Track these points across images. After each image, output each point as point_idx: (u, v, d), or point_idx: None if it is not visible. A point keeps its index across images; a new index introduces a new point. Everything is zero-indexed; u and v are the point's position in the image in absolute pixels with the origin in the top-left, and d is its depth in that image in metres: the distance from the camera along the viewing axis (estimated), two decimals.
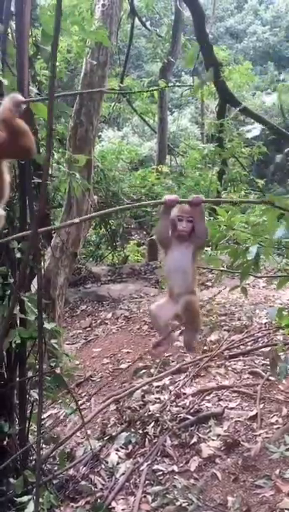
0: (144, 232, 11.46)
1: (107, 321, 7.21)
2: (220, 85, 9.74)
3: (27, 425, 3.18)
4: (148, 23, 13.96)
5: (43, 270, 5.36)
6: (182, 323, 2.56)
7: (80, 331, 7.14)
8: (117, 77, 11.11)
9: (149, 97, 11.08)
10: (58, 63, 7.68)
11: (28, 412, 3.19)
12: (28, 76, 2.82)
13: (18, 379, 3.12)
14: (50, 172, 6.84)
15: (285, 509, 2.79)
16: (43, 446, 3.61)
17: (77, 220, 2.08)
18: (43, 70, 7.26)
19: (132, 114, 12.84)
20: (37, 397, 2.98)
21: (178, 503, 3.03)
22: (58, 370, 3.39)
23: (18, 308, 2.92)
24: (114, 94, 10.65)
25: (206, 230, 2.45)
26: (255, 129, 2.99)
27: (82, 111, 5.69)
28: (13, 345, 2.90)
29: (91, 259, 11.06)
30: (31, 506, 2.71)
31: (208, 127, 12.81)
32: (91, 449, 3.51)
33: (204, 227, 2.41)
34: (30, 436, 3.22)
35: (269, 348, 4.94)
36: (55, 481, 3.30)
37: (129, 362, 5.56)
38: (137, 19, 11.44)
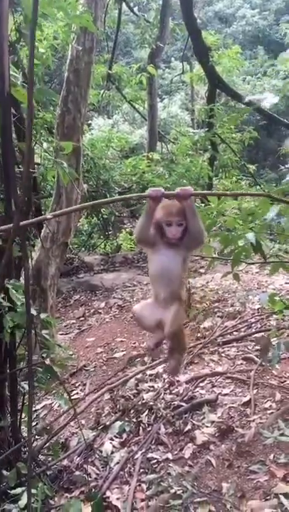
0: (137, 221, 11.41)
1: (100, 311, 7.19)
2: (209, 70, 9.65)
3: (19, 417, 3.15)
4: (136, 9, 13.80)
5: (32, 260, 5.32)
6: (167, 348, 2.42)
7: (74, 321, 7.11)
8: (105, 64, 10.98)
9: (138, 84, 10.96)
10: (44, 50, 7.55)
11: (20, 403, 3.15)
12: (7, 62, 2.74)
13: (8, 371, 3.08)
14: (39, 161, 6.80)
15: (280, 494, 2.78)
16: (37, 437, 3.59)
17: (49, 216, 2.02)
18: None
19: (122, 102, 12.72)
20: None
21: (172, 491, 3.02)
22: (50, 361, 3.35)
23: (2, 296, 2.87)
24: (102, 81, 10.53)
25: (202, 229, 2.14)
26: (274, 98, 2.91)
27: (69, 98, 5.59)
28: (7, 333, 2.85)
29: (83, 248, 11.00)
30: (25, 498, 2.69)
31: (198, 113, 12.73)
32: (84, 440, 3.49)
33: (199, 227, 2.12)
34: (22, 428, 3.19)
35: (262, 333, 4.96)
36: (49, 472, 3.27)
37: (123, 351, 5.55)
38: (124, 4, 11.29)
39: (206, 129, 10.03)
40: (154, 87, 10.97)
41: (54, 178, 6.07)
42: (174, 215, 2.09)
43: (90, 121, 14.43)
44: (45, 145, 8.22)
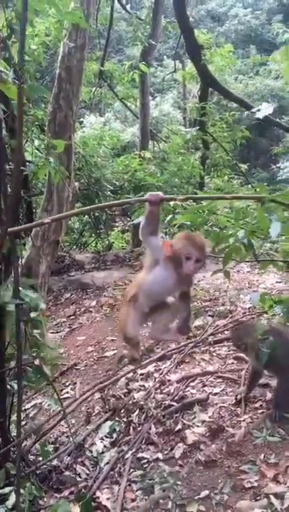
0: (128, 219, 11.38)
1: (91, 309, 7.15)
2: (201, 68, 9.65)
3: (8, 417, 3.12)
4: (128, 6, 13.75)
5: (23, 259, 5.28)
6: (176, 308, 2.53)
7: (64, 320, 7.07)
8: (97, 61, 10.93)
9: (130, 82, 10.92)
10: (35, 47, 7.49)
11: (9, 403, 3.12)
12: None
13: None
14: (30, 159, 6.74)
15: (270, 494, 2.78)
16: (26, 437, 3.57)
17: (47, 220, 1.98)
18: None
19: (114, 100, 12.67)
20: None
21: (163, 491, 3.01)
22: (40, 360, 3.32)
23: None
24: (94, 79, 10.48)
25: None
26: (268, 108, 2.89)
27: (61, 95, 5.55)
28: None
29: (75, 246, 10.96)
30: (13, 498, 2.66)
31: (190, 111, 12.72)
32: (73, 440, 3.47)
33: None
34: (12, 427, 3.16)
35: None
36: (38, 472, 3.25)
37: (113, 350, 5.52)
38: (116, 2, 11.24)
39: (198, 128, 10.02)
40: (146, 85, 10.93)
41: (45, 176, 6.03)
42: (196, 249, 2.23)
43: (81, 119, 14.36)
44: (36, 142, 8.19)
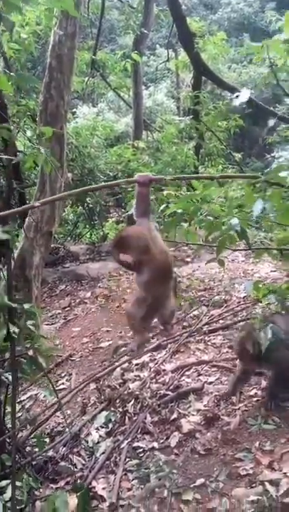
0: (123, 210, 11.34)
1: (86, 300, 7.14)
2: (194, 57, 9.57)
3: (3, 409, 3.11)
4: None
5: (16, 250, 5.25)
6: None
7: (59, 311, 7.06)
8: (89, 51, 10.81)
9: (123, 71, 10.82)
10: (26, 36, 7.42)
11: (4, 395, 3.11)
12: None
13: None
14: (22, 149, 6.68)
15: (265, 481, 2.79)
16: (22, 428, 3.56)
17: (37, 204, 1.95)
18: (11, 43, 7.02)
19: (107, 90, 12.57)
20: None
21: (158, 480, 3.02)
22: (34, 352, 3.31)
23: None
24: (86, 68, 10.37)
25: None
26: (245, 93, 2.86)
27: (52, 84, 5.48)
28: None
29: (69, 238, 10.92)
30: (9, 490, 2.66)
31: (183, 100, 12.64)
32: (69, 431, 3.47)
33: None
34: (7, 419, 3.16)
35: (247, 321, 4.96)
36: (34, 463, 3.25)
37: (109, 340, 5.52)
38: None
39: (192, 117, 9.96)
40: (139, 74, 10.84)
41: (37, 166, 5.99)
42: None
43: (74, 110, 14.24)
44: (28, 133, 8.12)
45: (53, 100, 5.49)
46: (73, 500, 2.72)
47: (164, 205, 4.02)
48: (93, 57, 10.12)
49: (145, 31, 10.41)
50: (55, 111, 5.50)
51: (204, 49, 10.29)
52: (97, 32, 11.14)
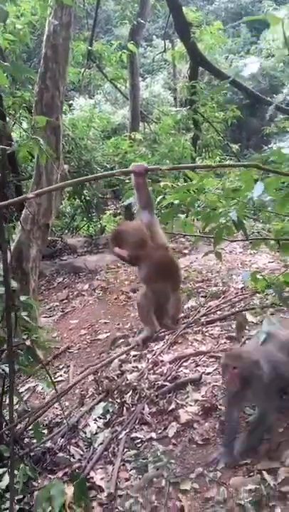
0: (120, 202, 11.33)
1: (84, 293, 7.14)
2: (191, 47, 9.50)
3: (1, 400, 3.11)
4: None
5: (13, 243, 5.24)
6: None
7: (57, 304, 7.06)
8: (85, 42, 10.72)
9: (120, 62, 10.73)
10: (21, 26, 7.35)
11: (1, 387, 3.11)
12: None
13: None
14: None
15: (263, 470, 2.80)
16: (20, 419, 3.57)
17: (31, 195, 1.93)
18: (6, 34, 6.96)
19: (104, 81, 12.47)
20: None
21: (156, 470, 3.02)
22: (32, 344, 3.31)
23: None
24: (82, 59, 10.29)
25: None
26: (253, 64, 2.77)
27: (48, 75, 5.43)
28: None
29: (66, 231, 10.90)
30: (7, 479, 2.67)
31: (180, 91, 12.57)
32: (67, 422, 3.48)
33: None
34: (5, 411, 3.16)
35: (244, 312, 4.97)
36: (32, 454, 3.26)
37: (106, 332, 5.52)
38: None
39: (189, 107, 9.92)
40: (135, 65, 10.75)
41: (33, 158, 5.96)
42: None
43: (71, 102, 14.14)
44: (24, 125, 8.07)
45: (49, 91, 5.45)
46: (71, 490, 2.73)
47: (160, 197, 4.00)
48: (89, 48, 10.04)
49: (142, 21, 10.32)
50: (50, 102, 5.47)
51: (201, 39, 10.21)
52: (93, 22, 11.02)
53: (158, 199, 4.04)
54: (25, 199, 2.07)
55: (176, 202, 3.18)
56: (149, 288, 2.65)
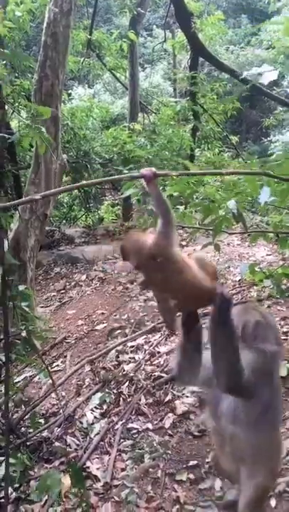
0: (118, 193, 11.29)
1: (81, 283, 7.13)
2: (191, 37, 9.42)
3: None
4: None
5: (11, 232, 5.22)
6: None
7: (54, 294, 7.05)
8: (85, 31, 10.62)
9: (119, 51, 10.64)
10: (20, 14, 7.27)
11: None
12: None
13: None
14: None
15: None
16: (17, 409, 3.57)
17: (37, 197, 1.89)
18: (5, 21, 6.87)
19: (103, 71, 12.36)
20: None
21: (152, 460, 3.04)
22: (29, 333, 3.30)
23: None
24: (82, 48, 10.20)
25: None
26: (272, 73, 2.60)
27: (47, 63, 5.38)
28: None
29: (64, 221, 10.87)
30: (3, 469, 2.67)
31: (179, 81, 12.48)
32: (63, 412, 3.48)
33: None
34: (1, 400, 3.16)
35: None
36: (28, 444, 3.26)
37: (104, 323, 5.52)
38: None
39: (188, 98, 9.86)
40: (135, 55, 10.66)
41: (32, 147, 5.92)
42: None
43: (70, 91, 14.06)
44: (23, 114, 8.01)
45: (48, 79, 5.40)
46: (67, 480, 2.75)
47: (160, 188, 3.97)
48: (89, 37, 9.94)
49: (142, 11, 10.22)
50: (50, 90, 5.42)
51: (202, 29, 10.11)
52: (92, 11, 10.91)
53: None
54: (31, 200, 2.01)
55: (175, 194, 3.17)
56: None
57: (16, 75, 7.82)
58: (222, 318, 1.91)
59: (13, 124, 7.92)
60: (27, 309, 3.33)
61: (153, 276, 1.93)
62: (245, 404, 2.01)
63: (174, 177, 4.04)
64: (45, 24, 5.48)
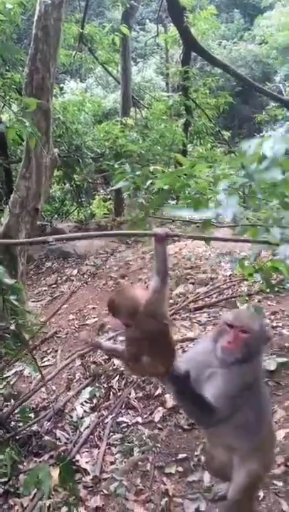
0: (110, 187, 11.27)
1: (72, 278, 7.13)
2: (184, 31, 9.40)
3: None
4: None
5: (1, 226, 5.19)
6: None
7: (46, 288, 7.04)
8: (77, 24, 10.55)
9: (111, 46, 10.58)
10: (11, 6, 7.20)
11: None
12: None
13: None
14: (8, 124, 6.54)
15: None
16: (6, 403, 3.57)
17: (50, 239, 1.87)
18: None
19: (95, 65, 12.30)
20: None
21: (142, 453, 3.05)
22: (18, 327, 3.29)
23: None
24: (74, 42, 10.14)
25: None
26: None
27: (38, 56, 5.34)
28: None
29: (56, 215, 10.85)
30: None
31: (172, 75, 12.44)
32: (52, 406, 3.48)
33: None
34: None
35: (233, 299, 5.00)
36: (18, 437, 3.26)
37: (95, 317, 5.52)
38: None
39: (181, 93, 9.84)
40: (127, 49, 10.62)
41: (23, 141, 5.88)
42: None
43: (62, 85, 13.97)
44: (14, 107, 7.97)
45: (39, 73, 5.36)
46: (56, 473, 2.74)
47: (149, 182, 3.97)
48: (81, 30, 9.88)
49: (135, 4, 10.17)
50: (41, 83, 5.38)
51: (194, 24, 10.07)
52: (85, 4, 10.84)
53: (147, 184, 4.01)
54: (46, 242, 1.94)
55: (166, 187, 3.15)
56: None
57: (7, 68, 7.76)
58: (180, 389, 2.05)
59: (4, 117, 7.88)
60: (16, 303, 3.32)
61: (142, 337, 1.89)
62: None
63: (164, 171, 4.04)
64: (36, 17, 5.44)
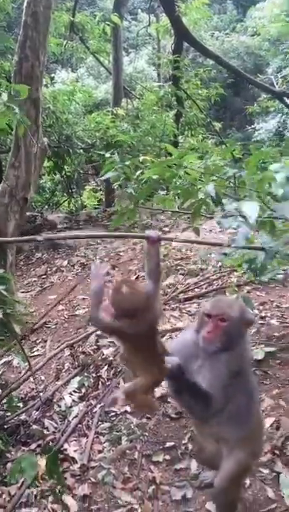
0: (100, 177, 11.23)
1: (62, 269, 7.11)
2: (175, 21, 9.35)
3: None
4: None
5: None
6: None
7: (36, 279, 7.02)
8: (68, 13, 10.46)
9: (102, 35, 10.49)
10: None
11: None
12: None
13: None
14: None
15: None
16: None
17: (41, 238, 1.86)
18: None
19: (86, 54, 12.21)
20: None
21: (129, 442, 3.06)
22: (6, 317, 3.28)
23: None
24: (64, 31, 10.05)
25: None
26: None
27: (27, 44, 5.27)
28: None
29: (46, 206, 10.80)
30: None
31: (163, 66, 12.39)
32: (39, 396, 3.48)
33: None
34: None
35: (223, 290, 5.01)
36: (6, 427, 3.26)
37: (84, 308, 5.51)
38: None
39: (172, 83, 9.81)
40: (119, 38, 10.54)
41: (12, 130, 5.83)
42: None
43: (53, 75, 13.86)
44: (4, 96, 7.87)
45: (28, 60, 5.29)
46: (44, 462, 2.74)
47: (139, 171, 3.95)
48: (72, 19, 9.80)
49: None
50: (30, 72, 5.31)
51: (186, 13, 10.02)
52: None
53: (136, 174, 3.99)
54: (34, 240, 1.91)
55: (155, 177, 3.14)
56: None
57: None
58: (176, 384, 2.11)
59: None
60: (5, 293, 3.30)
61: (137, 331, 1.88)
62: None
63: (154, 160, 4.02)
64: (25, 3, 5.36)
